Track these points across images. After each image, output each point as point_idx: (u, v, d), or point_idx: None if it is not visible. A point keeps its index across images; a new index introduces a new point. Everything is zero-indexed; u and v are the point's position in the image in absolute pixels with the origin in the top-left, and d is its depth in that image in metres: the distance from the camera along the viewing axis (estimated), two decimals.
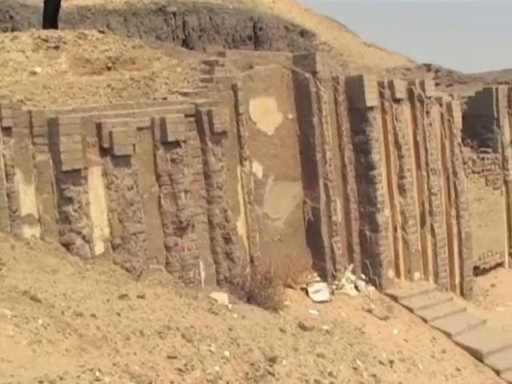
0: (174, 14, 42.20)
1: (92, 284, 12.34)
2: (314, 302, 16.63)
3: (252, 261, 16.06)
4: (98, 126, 13.74)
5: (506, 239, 23.62)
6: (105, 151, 13.78)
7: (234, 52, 18.90)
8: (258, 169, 16.49)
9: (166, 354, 10.21)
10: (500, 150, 23.40)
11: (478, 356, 16.42)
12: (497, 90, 23.74)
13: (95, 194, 13.66)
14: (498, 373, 16.07)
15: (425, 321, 17.28)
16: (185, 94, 15.75)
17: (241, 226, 15.84)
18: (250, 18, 44.65)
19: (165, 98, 15.66)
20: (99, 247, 13.66)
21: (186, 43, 40.49)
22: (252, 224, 16.06)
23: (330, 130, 17.52)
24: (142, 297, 12.47)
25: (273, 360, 11.72)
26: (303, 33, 46.46)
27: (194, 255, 14.85)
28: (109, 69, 17.32)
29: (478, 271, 22.10)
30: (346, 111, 18.04)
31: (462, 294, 20.44)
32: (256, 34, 44.31)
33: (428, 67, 38.47)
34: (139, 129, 14.24)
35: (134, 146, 14.02)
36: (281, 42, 44.51)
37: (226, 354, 11.18)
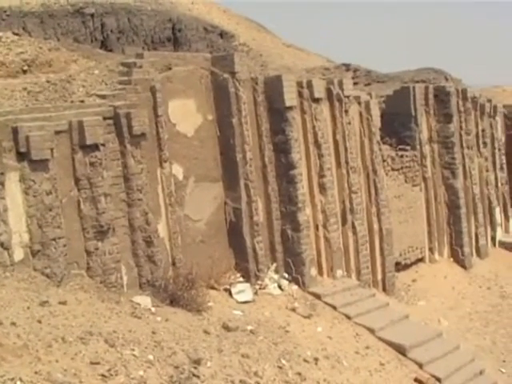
0: (92, 15, 41.54)
1: (12, 292, 12.11)
2: (237, 302, 16.64)
3: (174, 263, 15.98)
4: (15, 131, 13.46)
5: (426, 235, 24.05)
6: (22, 156, 13.51)
7: (152, 53, 18.71)
8: (178, 170, 16.40)
9: (89, 360, 10.11)
10: (418, 147, 23.81)
11: (400, 350, 16.73)
12: (414, 88, 24.15)
13: (13, 199, 13.35)
14: (420, 366, 16.43)
15: (348, 317, 17.48)
16: (103, 97, 15.55)
17: (162, 229, 15.74)
18: (169, 20, 44.28)
19: (82, 101, 15.44)
20: (18, 254, 13.37)
21: (104, 45, 39.94)
22: (173, 226, 15.97)
23: (250, 131, 17.55)
24: (63, 303, 12.31)
25: (197, 362, 11.70)
26: (222, 34, 46.34)
27: (115, 259, 14.68)
28: (24, 72, 17.01)
29: (400, 267, 22.44)
30: (266, 111, 18.10)
31: (384, 289, 20.74)
32: (175, 36, 43.97)
33: (347, 67, 38.78)
34: (57, 132, 14.00)
35: (51, 150, 13.77)
36: (200, 44, 44.29)
37: (150, 357, 11.12)
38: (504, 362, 18.86)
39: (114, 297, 14.05)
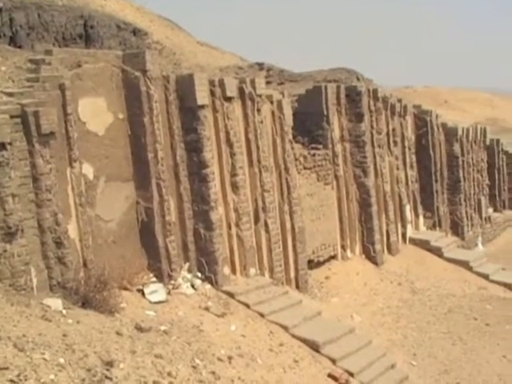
0: (0, 10, 40.55)
1: None
2: (150, 302, 16.49)
3: (85, 264, 15.69)
4: None
5: (338, 232, 24.38)
6: None
7: (62, 50, 18.27)
8: (88, 170, 16.11)
9: None
10: (330, 146, 24.10)
11: (314, 347, 16.92)
12: (326, 88, 24.42)
13: None
14: (334, 361, 16.67)
15: (262, 315, 17.57)
16: (10, 94, 15.09)
17: (72, 229, 15.42)
18: (81, 16, 43.47)
19: None
20: None
21: (13, 41, 38.97)
22: (84, 227, 15.68)
23: (162, 130, 17.41)
24: None
25: (110, 364, 11.53)
26: (135, 31, 45.78)
27: (24, 261, 14.29)
28: None
29: (313, 264, 22.68)
30: (178, 110, 17.99)
31: (297, 287, 20.93)
32: (87, 33, 43.20)
33: (260, 66, 38.93)
34: None
35: None
36: (113, 41, 43.66)
37: (61, 361, 10.90)
38: (415, 355, 19.25)
39: (23, 300, 13.69)
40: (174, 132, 17.87)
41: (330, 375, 16.01)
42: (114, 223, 16.84)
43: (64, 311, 13.88)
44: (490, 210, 35.41)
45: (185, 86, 17.98)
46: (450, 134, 30.84)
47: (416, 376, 17.97)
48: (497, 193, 36.26)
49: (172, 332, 14.86)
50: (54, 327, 12.61)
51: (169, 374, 12.52)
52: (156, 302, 16.56)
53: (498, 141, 36.49)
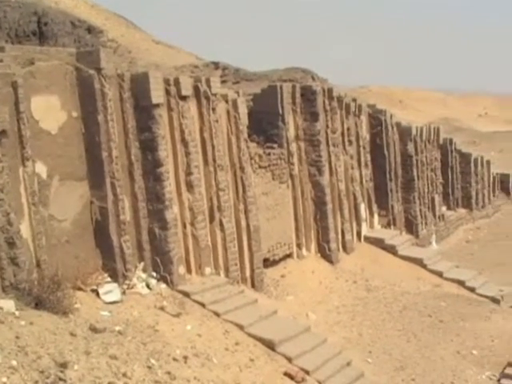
0: None
1: None
2: (105, 303, 16.34)
3: (39, 265, 15.49)
4: None
5: (294, 231, 24.46)
6: None
7: (15, 47, 18.05)
8: (41, 169, 15.90)
9: None
10: (285, 145, 24.17)
11: (270, 345, 16.96)
12: (281, 87, 24.48)
13: None
14: (289, 360, 16.71)
15: (217, 315, 17.54)
16: None
17: (25, 229, 15.21)
18: (34, 13, 42.96)
19: None
20: None
21: None
22: (37, 226, 15.47)
23: (116, 128, 17.27)
24: None
25: (64, 365, 11.43)
26: (90, 29, 45.41)
27: None
28: None
29: (268, 263, 22.72)
30: (132, 109, 17.87)
31: (253, 286, 20.95)
32: (41, 30, 42.74)
33: (216, 65, 38.95)
34: None
35: None
36: (67, 39, 43.23)
37: (14, 363, 10.78)
38: (370, 352, 19.42)
39: None
40: (129, 130, 17.75)
41: (285, 373, 16.06)
42: (68, 223, 16.65)
43: (17, 312, 13.68)
44: (444, 208, 35.84)
45: (140, 85, 17.87)
46: (404, 133, 31.14)
47: (371, 373, 18.12)
48: (450, 191, 36.72)
49: (127, 332, 14.77)
50: (6, 329, 12.43)
51: (124, 374, 12.46)
52: (111, 303, 16.42)
53: (451, 140, 36.97)
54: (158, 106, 17.98)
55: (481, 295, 25.53)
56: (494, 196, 40.69)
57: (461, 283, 26.41)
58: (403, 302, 23.33)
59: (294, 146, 24.45)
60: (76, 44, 41.78)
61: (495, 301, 24.98)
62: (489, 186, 40.31)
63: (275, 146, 23.91)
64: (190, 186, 18.95)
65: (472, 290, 25.98)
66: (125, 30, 51.46)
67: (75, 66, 16.93)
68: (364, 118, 29.28)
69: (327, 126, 25.69)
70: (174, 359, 14.43)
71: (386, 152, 29.80)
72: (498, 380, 18.68)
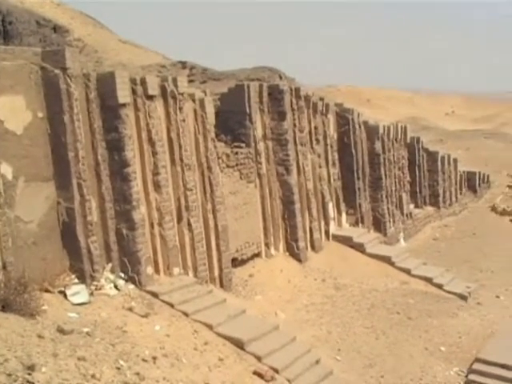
0: None
1: None
2: (73, 304, 16.25)
3: (5, 267, 15.38)
4: None
5: (262, 230, 24.46)
6: None
7: None
8: (7, 170, 15.77)
9: None
10: (253, 144, 24.16)
11: (239, 345, 16.96)
12: (248, 86, 24.46)
13: None
14: (259, 359, 16.73)
15: (186, 315, 17.51)
16: None
17: None
18: None
19: None
20: None
21: None
22: (3, 228, 15.35)
23: (82, 128, 17.17)
24: None
25: (31, 368, 11.32)
26: (56, 28, 45.09)
27: None
28: None
29: (237, 262, 22.72)
30: (99, 108, 17.78)
31: (221, 285, 20.94)
32: (5, 29, 42.34)
33: (183, 64, 38.85)
34: None
35: None
36: (32, 38, 42.90)
37: None
38: (339, 350, 19.50)
39: None
40: (95, 131, 17.65)
41: (255, 372, 16.07)
42: (35, 224, 16.53)
43: None
44: (411, 206, 36.07)
45: (106, 84, 17.77)
46: (372, 132, 31.27)
47: (340, 370, 18.20)
48: (418, 189, 36.96)
49: (95, 334, 14.70)
50: None
51: (92, 376, 12.39)
52: (78, 304, 16.33)
53: (418, 139, 37.21)
54: (124, 105, 17.91)
55: (448, 292, 25.70)
56: (461, 194, 41.02)
57: (428, 280, 26.58)
58: (371, 300, 23.45)
59: (261, 145, 24.46)
60: (41, 43, 41.45)
61: (462, 297, 25.17)
62: (456, 183, 40.62)
63: (243, 145, 23.90)
64: (157, 186, 18.89)
65: (439, 286, 26.15)
66: (91, 29, 51.17)
67: (40, 66, 16.81)
68: (331, 117, 29.36)
69: (295, 125, 25.73)
70: (143, 360, 14.37)
71: (353, 151, 29.92)
72: (466, 376, 18.87)
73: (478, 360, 19.34)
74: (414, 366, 19.06)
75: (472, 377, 18.73)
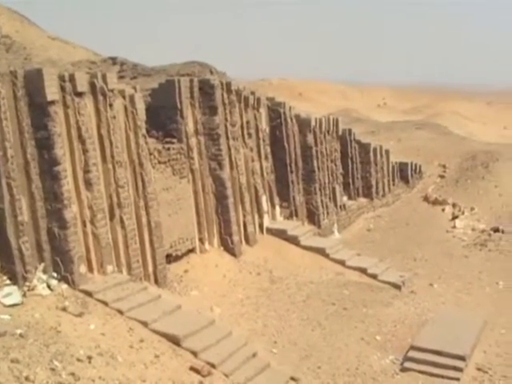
0: None
1: None
2: (4, 306, 16.08)
3: None
4: None
5: (196, 225, 24.44)
6: None
7: None
8: None
9: None
10: (185, 139, 24.10)
11: (175, 341, 17.00)
12: (179, 81, 24.38)
13: None
14: (195, 354, 16.80)
15: (121, 312, 17.46)
16: None
17: None
18: None
19: None
20: None
21: None
22: None
23: (11, 127, 16.97)
24: None
25: None
26: None
27: None
28: None
29: (171, 258, 22.67)
30: (27, 106, 17.55)
31: (156, 282, 20.90)
32: None
33: (114, 60, 38.38)
34: None
35: None
36: None
37: None
38: (275, 343, 19.65)
39: None
40: (24, 129, 17.42)
41: (191, 368, 16.14)
42: None
43: None
44: (345, 198, 36.36)
45: (34, 82, 17.54)
46: (304, 124, 31.45)
47: (277, 363, 18.35)
48: (350, 181, 37.25)
49: (28, 335, 14.57)
50: None
51: (26, 378, 12.32)
52: (11, 305, 16.15)
53: (350, 130, 37.51)
54: (53, 103, 17.70)
55: (382, 282, 26.06)
56: (393, 185, 41.49)
57: (363, 271, 26.90)
58: (307, 292, 23.66)
59: (193, 141, 24.42)
60: None
61: (396, 287, 25.56)
62: (388, 175, 41.05)
63: (174, 140, 23.82)
64: (88, 184, 18.72)
65: (374, 277, 26.49)
66: (19, 25, 50.24)
67: None
68: (263, 111, 29.44)
69: (226, 120, 25.75)
70: (78, 360, 14.31)
71: (285, 144, 30.07)
72: (402, 363, 19.19)
73: (412, 348, 19.68)
74: (350, 356, 19.31)
75: (407, 364, 19.05)
